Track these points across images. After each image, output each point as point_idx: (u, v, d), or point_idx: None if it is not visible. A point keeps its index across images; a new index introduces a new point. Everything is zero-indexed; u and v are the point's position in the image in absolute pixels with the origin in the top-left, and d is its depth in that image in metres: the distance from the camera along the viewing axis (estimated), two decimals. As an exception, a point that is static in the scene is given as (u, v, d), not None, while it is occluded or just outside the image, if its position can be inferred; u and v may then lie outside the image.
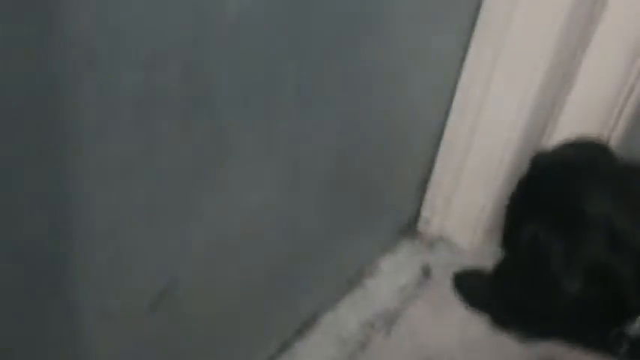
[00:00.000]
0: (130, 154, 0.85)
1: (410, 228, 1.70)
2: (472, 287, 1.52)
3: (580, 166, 1.27)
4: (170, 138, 0.89)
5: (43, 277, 0.83)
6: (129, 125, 0.82)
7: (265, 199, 1.13)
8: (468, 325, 1.54)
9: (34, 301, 0.85)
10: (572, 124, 1.58)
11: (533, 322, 1.38)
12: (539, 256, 1.22)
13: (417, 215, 1.68)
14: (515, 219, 1.31)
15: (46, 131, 0.74)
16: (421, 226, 1.70)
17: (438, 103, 1.50)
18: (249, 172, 1.05)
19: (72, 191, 0.81)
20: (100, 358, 0.98)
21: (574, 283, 1.19)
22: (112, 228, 0.88)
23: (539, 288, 1.25)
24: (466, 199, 1.62)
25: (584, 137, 1.38)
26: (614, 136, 1.60)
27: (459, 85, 1.47)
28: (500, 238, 1.36)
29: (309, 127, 1.14)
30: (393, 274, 1.62)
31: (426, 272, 1.64)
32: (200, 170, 0.96)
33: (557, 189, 1.26)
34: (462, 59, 1.46)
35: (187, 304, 1.08)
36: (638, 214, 1.18)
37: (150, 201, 0.91)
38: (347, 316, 1.55)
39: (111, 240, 0.89)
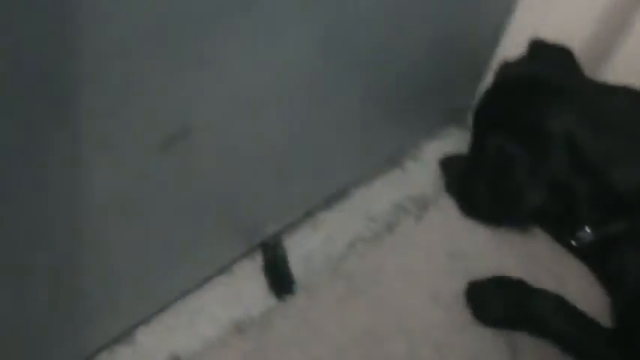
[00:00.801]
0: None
1: (460, 117, 1.64)
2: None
3: (545, 80, 1.30)
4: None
5: (45, 95, 0.82)
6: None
7: (292, 61, 1.09)
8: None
9: (36, 126, 0.84)
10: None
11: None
12: (505, 168, 1.28)
13: (468, 105, 1.63)
14: (482, 128, 1.36)
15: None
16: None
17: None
18: (276, 28, 1.01)
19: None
20: (102, 192, 0.98)
21: (537, 197, 1.27)
22: (122, 55, 0.86)
23: (503, 197, 1.33)
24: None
25: (552, 45, 1.40)
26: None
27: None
28: (469, 144, 1.43)
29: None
30: (434, 160, 1.58)
31: (470, 164, 1.60)
32: (222, 14, 0.93)
33: (523, 102, 1.28)
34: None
35: (199, 154, 1.07)
36: (600, 131, 1.21)
37: (163, 37, 0.88)
38: (380, 195, 1.53)
39: (119, 65, 0.86)
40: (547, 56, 1.37)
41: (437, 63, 1.45)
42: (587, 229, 1.29)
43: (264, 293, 1.35)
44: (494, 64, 1.55)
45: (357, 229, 1.47)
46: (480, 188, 1.38)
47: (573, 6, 1.41)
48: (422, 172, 1.57)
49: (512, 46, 1.50)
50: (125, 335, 1.25)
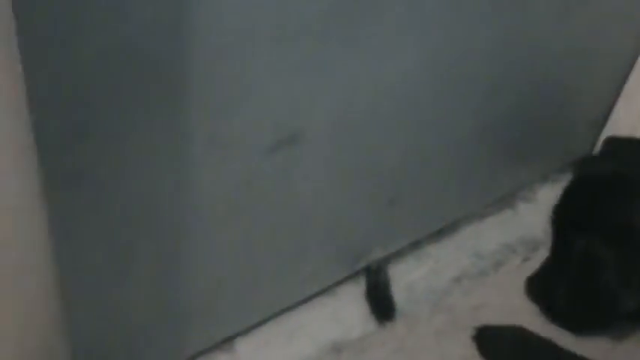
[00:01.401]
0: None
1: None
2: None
3: (627, 175, 1.26)
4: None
5: (157, 89, 0.85)
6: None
7: (408, 80, 1.11)
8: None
9: (146, 121, 0.87)
10: None
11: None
12: (593, 270, 1.24)
13: (589, 152, 1.61)
14: (565, 228, 1.32)
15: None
16: (591, 164, 1.62)
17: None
18: (394, 44, 1.03)
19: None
20: (208, 191, 1.01)
21: (633, 299, 1.21)
22: (237, 53, 0.88)
23: (592, 302, 1.28)
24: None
25: (628, 139, 1.36)
26: None
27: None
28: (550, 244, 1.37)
29: (475, 20, 1.11)
30: (548, 204, 1.55)
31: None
32: (341, 22, 0.95)
33: (607, 200, 1.26)
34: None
35: (306, 164, 1.09)
36: None
37: (281, 38, 0.91)
38: (489, 233, 1.52)
39: (234, 63, 0.89)
40: (625, 151, 1.33)
41: (556, 108, 1.44)
42: None
43: (364, 318, 1.36)
44: (616, 115, 1.54)
45: (463, 264, 1.46)
46: (563, 292, 1.33)
47: None
48: (534, 214, 1.55)
49: (632, 98, 1.49)
50: (224, 343, 1.27)
